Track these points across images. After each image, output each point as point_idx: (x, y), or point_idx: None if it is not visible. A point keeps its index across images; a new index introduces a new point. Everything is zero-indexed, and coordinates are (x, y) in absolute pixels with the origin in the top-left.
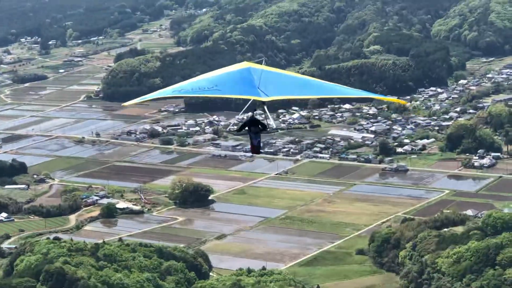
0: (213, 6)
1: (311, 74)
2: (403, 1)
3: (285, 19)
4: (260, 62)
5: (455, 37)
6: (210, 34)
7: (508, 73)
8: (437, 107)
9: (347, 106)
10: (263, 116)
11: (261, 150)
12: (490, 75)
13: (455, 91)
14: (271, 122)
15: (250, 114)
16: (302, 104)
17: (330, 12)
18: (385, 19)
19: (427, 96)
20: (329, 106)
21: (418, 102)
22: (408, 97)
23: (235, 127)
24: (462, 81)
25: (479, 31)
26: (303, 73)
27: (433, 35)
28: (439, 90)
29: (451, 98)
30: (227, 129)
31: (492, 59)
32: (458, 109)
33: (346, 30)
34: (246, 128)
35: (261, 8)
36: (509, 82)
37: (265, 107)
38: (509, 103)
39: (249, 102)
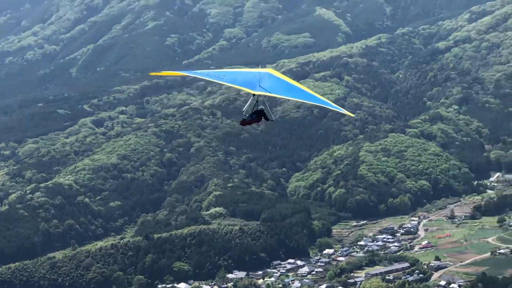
0: (9, 160)
1: (137, 245)
2: (251, 150)
3: (102, 176)
4: None
5: (317, 196)
6: (5, 196)
7: (385, 239)
8: (297, 284)
9: None
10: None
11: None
12: (362, 243)
13: (319, 263)
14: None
15: (261, 107)
16: None
17: (159, 166)
18: (228, 174)
19: (284, 271)
20: None
21: (272, 279)
22: (260, 272)
23: (246, 114)
24: (327, 251)
25: (347, 187)
26: (125, 244)
27: (290, 193)
28: (299, 262)
29: (314, 272)
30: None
31: (364, 222)
32: (323, 286)
33: (179, 188)
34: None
35: (70, 162)
36: (386, 251)
37: (265, 101)
38: (387, 277)
39: (251, 98)
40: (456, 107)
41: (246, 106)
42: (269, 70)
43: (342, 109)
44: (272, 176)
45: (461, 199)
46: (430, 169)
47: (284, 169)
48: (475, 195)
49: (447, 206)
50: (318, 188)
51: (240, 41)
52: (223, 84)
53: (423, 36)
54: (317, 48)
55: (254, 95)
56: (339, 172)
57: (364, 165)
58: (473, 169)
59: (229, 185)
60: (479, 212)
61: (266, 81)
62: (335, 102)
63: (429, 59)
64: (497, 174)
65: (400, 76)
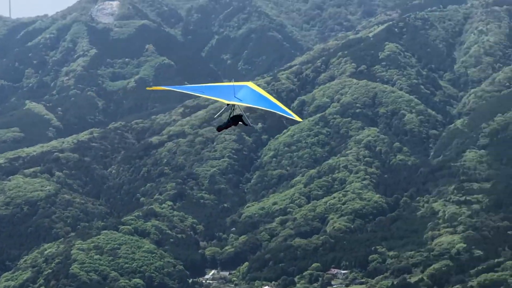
0: None
1: None
2: None
3: None
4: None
5: None
6: None
7: None
8: None
9: None
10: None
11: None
12: None
13: None
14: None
15: (239, 113)
16: None
17: None
18: None
19: None
20: None
21: None
22: None
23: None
24: None
25: (58, 286)
26: None
27: None
28: None
29: None
30: (217, 126)
31: None
32: None
33: None
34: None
35: None
36: None
37: (242, 110)
38: None
39: (225, 107)
40: (170, 203)
41: (218, 114)
42: (248, 83)
43: (294, 114)
44: None
45: None
46: (144, 266)
47: None
48: None
49: None
50: None
51: None
52: (204, 97)
53: (136, 130)
54: (26, 143)
55: (228, 104)
56: (50, 271)
57: (76, 263)
58: (188, 267)
59: None
60: None
61: (242, 92)
62: (45, 198)
63: (143, 154)
64: (213, 271)
65: (113, 171)
